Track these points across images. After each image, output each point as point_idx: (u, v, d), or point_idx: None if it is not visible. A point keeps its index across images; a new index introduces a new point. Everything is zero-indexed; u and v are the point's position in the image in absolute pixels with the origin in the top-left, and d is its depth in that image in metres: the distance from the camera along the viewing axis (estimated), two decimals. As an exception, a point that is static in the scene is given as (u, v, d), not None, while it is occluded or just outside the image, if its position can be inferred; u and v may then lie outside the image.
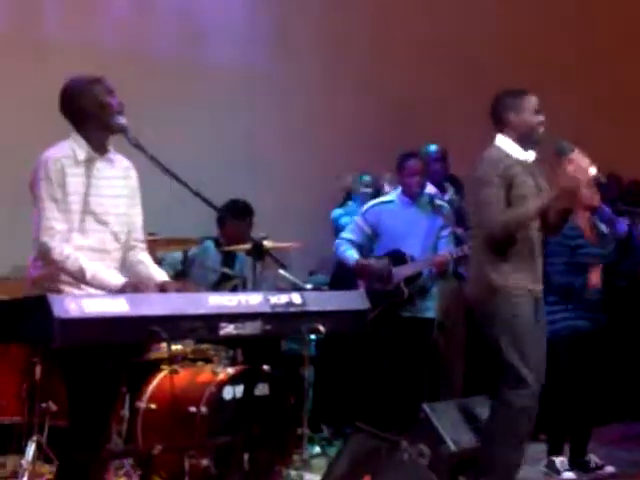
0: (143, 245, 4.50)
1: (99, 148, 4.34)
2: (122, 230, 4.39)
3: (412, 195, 6.66)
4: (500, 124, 5.14)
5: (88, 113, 4.30)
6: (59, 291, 4.12)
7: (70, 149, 4.29)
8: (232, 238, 6.68)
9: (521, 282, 5.04)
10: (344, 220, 7.29)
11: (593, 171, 4.95)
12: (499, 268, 5.03)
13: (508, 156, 5.09)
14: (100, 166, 4.33)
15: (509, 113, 5.11)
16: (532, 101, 5.12)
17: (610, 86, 9.58)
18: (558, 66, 9.36)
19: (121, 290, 4.12)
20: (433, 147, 7.55)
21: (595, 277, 6.11)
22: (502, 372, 5.05)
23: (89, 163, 4.29)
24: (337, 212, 7.60)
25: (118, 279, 4.21)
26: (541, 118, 5.12)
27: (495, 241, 4.99)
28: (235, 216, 6.61)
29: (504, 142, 5.12)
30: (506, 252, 5.02)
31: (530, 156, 5.16)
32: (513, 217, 4.97)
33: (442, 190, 7.34)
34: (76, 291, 4.20)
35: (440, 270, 6.57)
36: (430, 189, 7.20)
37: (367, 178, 7.68)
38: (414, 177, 6.62)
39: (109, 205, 4.32)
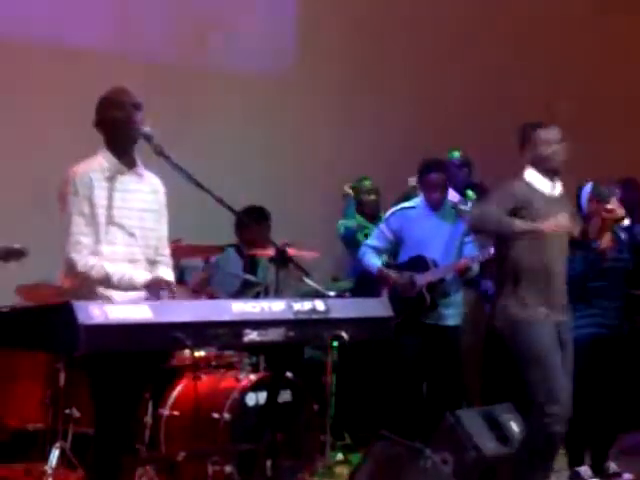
0: (168, 260, 4.54)
1: (126, 161, 4.39)
2: (148, 244, 4.42)
3: (435, 209, 6.65)
4: (524, 157, 5.23)
5: (105, 130, 4.39)
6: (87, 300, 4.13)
7: (98, 163, 4.35)
8: (251, 242, 6.72)
9: (538, 309, 5.09)
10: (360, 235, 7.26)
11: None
12: (515, 297, 5.12)
13: (529, 186, 5.16)
14: (128, 179, 4.38)
15: (525, 146, 5.22)
16: (546, 133, 5.19)
17: (624, 87, 9.53)
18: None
19: (147, 286, 4.17)
20: (456, 153, 7.52)
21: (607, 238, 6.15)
22: (529, 400, 5.09)
23: (117, 176, 4.34)
24: (343, 224, 7.53)
25: (145, 276, 4.25)
26: (554, 149, 5.15)
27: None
28: (252, 220, 6.65)
29: (530, 174, 5.21)
30: (520, 280, 5.09)
31: (556, 190, 5.21)
32: (487, 215, 5.08)
33: (464, 197, 7.32)
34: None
35: (462, 275, 6.54)
36: (453, 195, 7.17)
37: (368, 183, 7.64)
38: (436, 192, 6.60)
39: (136, 218, 4.37)
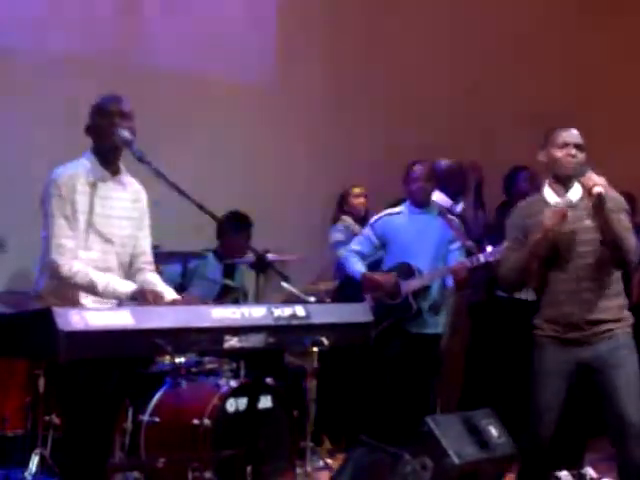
0: (152, 267, 4.55)
1: (110, 168, 4.40)
2: (125, 251, 4.43)
3: (418, 202, 6.61)
4: (540, 163, 4.94)
5: (91, 136, 4.41)
6: (64, 304, 4.12)
7: (82, 167, 4.35)
8: (231, 250, 6.72)
9: (544, 325, 4.89)
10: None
11: (597, 190, 4.67)
12: (534, 318, 4.95)
13: (542, 201, 4.88)
14: (110, 187, 4.39)
15: (540, 152, 4.90)
16: (559, 134, 4.84)
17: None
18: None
19: (132, 297, 4.16)
20: (449, 161, 7.58)
21: None
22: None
23: (99, 182, 4.35)
24: (337, 237, 7.52)
25: (130, 287, 4.24)
26: (566, 151, 4.81)
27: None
28: (234, 228, 6.65)
29: (545, 186, 4.92)
30: (539, 299, 4.91)
31: (574, 195, 4.86)
32: (508, 267, 4.84)
33: (455, 202, 7.38)
34: (83, 302, 4.24)
35: (459, 279, 6.42)
36: (443, 199, 7.21)
37: (357, 190, 7.67)
38: (417, 182, 6.56)
39: (115, 226, 4.38)
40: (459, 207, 7.38)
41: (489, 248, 6.26)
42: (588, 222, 4.82)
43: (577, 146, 4.83)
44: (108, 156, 4.40)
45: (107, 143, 4.36)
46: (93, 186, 4.33)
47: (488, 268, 6.34)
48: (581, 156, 4.84)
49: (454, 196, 7.38)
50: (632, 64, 9.44)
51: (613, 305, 4.89)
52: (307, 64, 8.22)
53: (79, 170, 4.34)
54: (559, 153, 4.83)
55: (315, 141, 8.15)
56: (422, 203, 6.60)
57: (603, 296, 4.85)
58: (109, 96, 4.45)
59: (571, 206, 4.83)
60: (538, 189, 6.79)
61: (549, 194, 4.90)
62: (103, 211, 4.35)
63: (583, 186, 4.77)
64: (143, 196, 4.55)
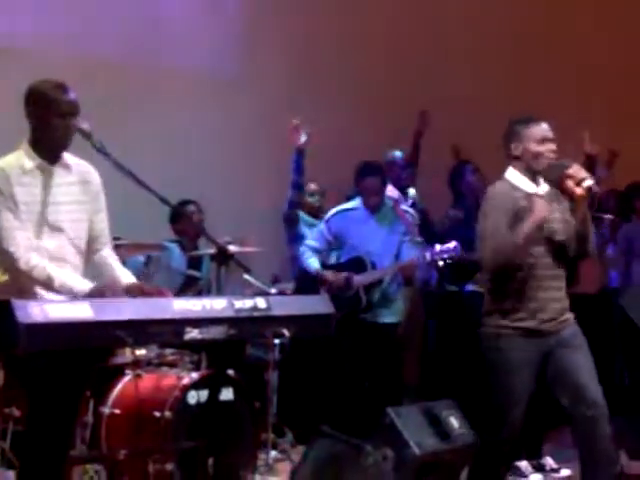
0: (109, 248, 4.49)
1: (49, 156, 4.29)
2: (80, 236, 4.35)
3: (372, 210, 6.70)
4: (508, 155, 4.95)
5: (33, 127, 4.28)
6: (21, 297, 4.08)
7: (16, 159, 4.25)
8: (188, 231, 6.77)
9: (514, 322, 4.88)
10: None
11: (588, 183, 4.78)
12: (491, 310, 4.95)
13: (515, 189, 4.90)
14: (53, 173, 4.28)
15: (512, 143, 4.91)
16: (537, 129, 4.89)
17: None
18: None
19: (88, 295, 4.12)
20: (398, 153, 7.58)
21: None
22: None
23: (39, 171, 4.25)
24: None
25: (85, 285, 4.21)
26: (547, 147, 4.88)
27: (490, 275, 4.88)
28: (184, 207, 6.79)
29: (512, 174, 4.94)
30: (502, 290, 4.89)
31: (542, 188, 4.95)
32: (500, 245, 4.77)
33: (404, 195, 7.40)
34: (40, 293, 4.21)
35: (406, 275, 6.59)
36: (393, 192, 7.24)
37: (313, 186, 7.63)
38: (371, 196, 6.67)
39: (63, 212, 4.28)
40: (409, 202, 7.42)
41: (438, 247, 6.33)
42: (558, 214, 4.94)
43: (553, 140, 4.92)
44: (50, 150, 4.28)
45: (56, 142, 4.25)
46: (33, 176, 4.24)
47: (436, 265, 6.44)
48: (555, 148, 4.93)
49: (403, 188, 7.43)
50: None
51: (566, 294, 5.03)
52: (271, 47, 8.21)
53: (12, 162, 4.23)
54: (540, 149, 4.88)
55: (279, 127, 8.15)
56: (376, 211, 6.67)
57: (564, 286, 5.00)
58: (55, 83, 4.28)
59: (541, 196, 4.91)
60: (483, 180, 6.92)
61: (521, 182, 4.92)
62: (49, 199, 4.26)
63: (571, 178, 4.83)
64: (94, 177, 4.42)
